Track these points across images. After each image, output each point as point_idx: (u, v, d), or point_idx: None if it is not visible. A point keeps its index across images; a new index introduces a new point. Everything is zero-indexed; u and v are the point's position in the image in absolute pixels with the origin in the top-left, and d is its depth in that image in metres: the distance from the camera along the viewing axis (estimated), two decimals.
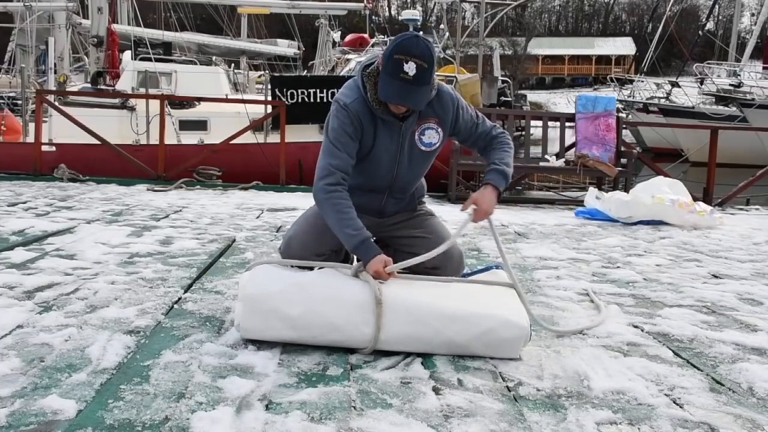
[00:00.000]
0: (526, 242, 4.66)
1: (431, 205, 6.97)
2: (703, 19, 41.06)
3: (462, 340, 2.11)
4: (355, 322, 2.11)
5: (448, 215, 5.86)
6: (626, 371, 2.06)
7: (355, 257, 2.49)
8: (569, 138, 8.08)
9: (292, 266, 2.41)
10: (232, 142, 8.55)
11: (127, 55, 12.59)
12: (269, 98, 10.54)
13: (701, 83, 25.11)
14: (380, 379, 1.94)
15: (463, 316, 2.12)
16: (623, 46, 65.11)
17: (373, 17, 18.43)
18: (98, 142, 8.33)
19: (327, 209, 2.37)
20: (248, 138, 9.04)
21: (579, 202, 7.04)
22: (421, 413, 1.71)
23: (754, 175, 8.40)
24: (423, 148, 2.50)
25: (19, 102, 12.43)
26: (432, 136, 2.49)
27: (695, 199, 6.23)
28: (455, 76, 13.84)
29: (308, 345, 2.16)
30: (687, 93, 24.84)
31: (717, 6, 43.75)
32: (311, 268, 2.36)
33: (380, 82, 2.32)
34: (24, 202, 5.77)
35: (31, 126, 9.41)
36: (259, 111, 9.93)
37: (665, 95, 25.90)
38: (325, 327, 2.12)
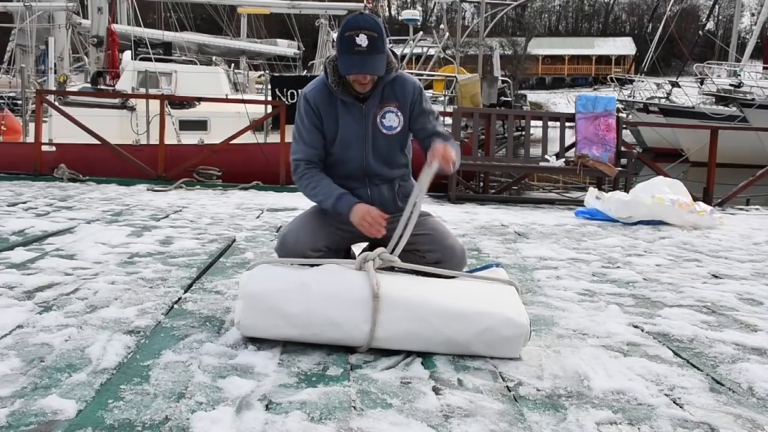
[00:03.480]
0: (526, 242, 4.65)
1: (431, 205, 6.99)
2: (703, 19, 41.09)
3: (462, 339, 2.11)
4: (356, 320, 2.11)
5: (448, 215, 5.87)
6: (626, 371, 2.06)
7: (356, 254, 2.51)
8: (569, 138, 8.08)
9: (292, 264, 2.42)
10: (232, 142, 8.55)
11: (127, 55, 12.59)
12: (269, 98, 10.54)
13: (701, 83, 25.10)
14: (380, 379, 1.94)
15: (463, 313, 2.12)
16: (623, 46, 65.15)
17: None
18: (98, 142, 8.33)
19: (305, 191, 2.60)
20: (248, 138, 9.03)
21: (579, 202, 7.03)
22: (421, 413, 1.71)
23: (754, 175, 8.40)
24: (384, 131, 2.58)
25: (19, 102, 12.45)
26: (392, 119, 2.59)
27: (695, 199, 6.23)
28: (455, 76, 13.84)
29: (308, 345, 2.16)
30: (687, 93, 24.83)
31: (717, 6, 43.75)
32: (312, 266, 2.36)
33: (339, 62, 2.47)
34: (24, 202, 5.77)
35: (31, 126, 9.41)
36: (259, 111, 9.93)
37: (665, 95, 25.89)
38: (325, 325, 2.12)
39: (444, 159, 2.39)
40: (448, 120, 9.62)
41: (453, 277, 2.46)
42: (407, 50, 15.04)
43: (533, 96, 51.38)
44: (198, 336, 2.25)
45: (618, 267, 3.83)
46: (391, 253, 2.37)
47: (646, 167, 9.26)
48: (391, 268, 2.44)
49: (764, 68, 28.28)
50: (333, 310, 2.12)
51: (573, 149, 7.97)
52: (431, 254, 2.54)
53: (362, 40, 2.36)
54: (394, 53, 2.61)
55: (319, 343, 2.16)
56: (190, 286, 2.98)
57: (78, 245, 3.79)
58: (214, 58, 15.30)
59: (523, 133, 8.52)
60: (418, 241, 2.58)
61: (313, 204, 2.76)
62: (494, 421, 1.68)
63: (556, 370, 2.05)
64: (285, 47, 17.67)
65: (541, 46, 63.75)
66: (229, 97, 10.90)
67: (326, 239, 2.56)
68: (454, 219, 5.71)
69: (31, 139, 9.01)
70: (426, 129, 2.63)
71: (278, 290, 2.16)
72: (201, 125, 10.78)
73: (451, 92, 12.84)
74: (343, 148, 2.59)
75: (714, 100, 24.75)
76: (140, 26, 13.85)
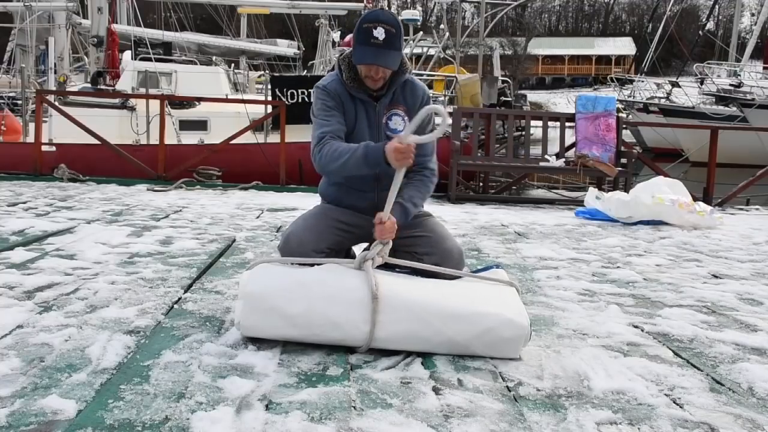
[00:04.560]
0: (526, 242, 4.65)
1: (431, 205, 6.98)
2: (703, 19, 41.14)
3: (462, 339, 2.11)
4: (356, 320, 2.11)
5: (448, 215, 5.87)
6: (626, 371, 2.06)
7: (356, 254, 2.50)
8: (569, 138, 8.08)
9: (292, 264, 2.41)
10: (232, 142, 8.55)
11: (127, 55, 12.60)
12: (269, 98, 10.54)
13: (701, 83, 25.10)
14: (380, 379, 1.94)
15: (463, 314, 2.12)
16: (623, 46, 65.23)
17: None
18: (98, 142, 8.33)
19: (329, 163, 2.42)
20: (248, 138, 9.03)
21: (579, 202, 7.03)
22: (421, 413, 1.71)
23: (754, 175, 8.39)
24: (389, 132, 2.55)
25: (19, 102, 12.45)
26: (398, 123, 2.56)
27: (695, 199, 6.22)
28: (455, 76, 13.85)
29: (308, 345, 2.16)
30: (687, 93, 24.83)
31: (717, 6, 43.74)
32: (312, 266, 2.36)
33: (354, 52, 2.44)
34: (24, 202, 5.77)
35: (31, 126, 9.41)
36: (259, 111, 9.93)
37: (665, 95, 25.89)
38: (325, 325, 2.12)
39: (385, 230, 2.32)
40: (448, 120, 9.57)
41: (454, 278, 2.46)
42: (407, 50, 15.05)
43: (533, 96, 51.36)
44: (198, 336, 2.25)
45: (618, 267, 3.83)
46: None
47: (646, 167, 9.26)
48: (393, 267, 2.44)
49: (764, 68, 28.28)
50: (333, 310, 2.12)
51: (573, 149, 7.96)
52: (429, 257, 2.53)
53: (380, 33, 2.36)
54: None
55: (319, 344, 2.16)
56: (190, 286, 2.98)
57: (78, 245, 3.79)
58: (214, 58, 15.30)
59: (523, 133, 8.52)
60: (416, 243, 2.58)
61: (315, 204, 2.75)
62: (494, 421, 1.68)
63: (556, 370, 2.05)
64: (285, 47, 17.68)
65: (541, 46, 63.78)
66: (229, 97, 10.91)
67: (329, 240, 2.55)
68: (454, 219, 5.71)
69: (31, 139, 9.01)
70: (419, 156, 2.43)
71: (278, 290, 2.15)
72: (201, 125, 10.79)
73: (451, 92, 12.85)
74: None
75: (714, 100, 24.75)
76: (140, 26, 13.87)
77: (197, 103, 10.73)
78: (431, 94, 14.27)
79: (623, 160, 7.80)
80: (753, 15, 54.51)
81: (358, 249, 2.73)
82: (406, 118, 2.56)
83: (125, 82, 11.44)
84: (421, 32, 17.55)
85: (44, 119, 9.35)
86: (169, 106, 9.39)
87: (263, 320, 2.14)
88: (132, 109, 10.63)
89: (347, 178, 2.58)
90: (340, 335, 2.12)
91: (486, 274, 2.52)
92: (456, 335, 2.11)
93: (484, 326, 2.11)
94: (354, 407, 1.73)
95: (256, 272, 2.27)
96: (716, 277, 3.67)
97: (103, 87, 11.57)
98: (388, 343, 2.12)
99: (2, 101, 14.16)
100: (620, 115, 9.56)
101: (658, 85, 27.18)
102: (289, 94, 10.34)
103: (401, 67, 2.51)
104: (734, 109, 22.61)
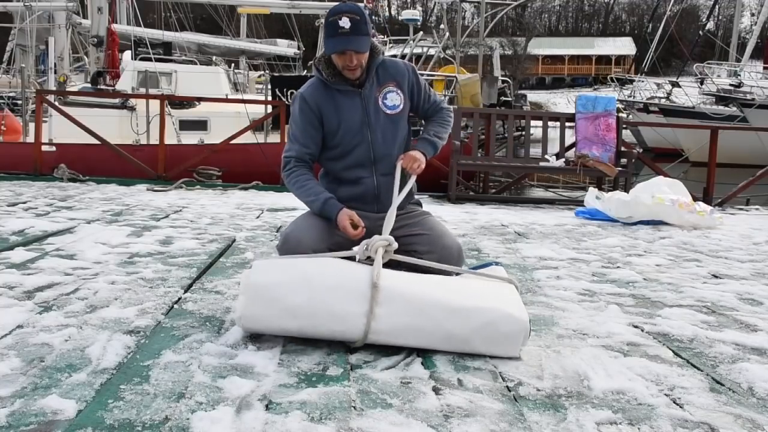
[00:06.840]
0: (526, 242, 4.65)
1: (431, 205, 6.99)
2: (703, 19, 41.13)
3: (461, 333, 2.11)
4: (357, 312, 2.11)
5: (448, 215, 5.87)
6: (626, 371, 2.06)
7: (357, 256, 2.51)
8: (569, 138, 8.08)
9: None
10: (232, 142, 8.55)
11: (127, 55, 12.61)
12: (269, 98, 10.54)
13: (701, 83, 25.11)
14: (380, 379, 1.94)
15: (463, 308, 2.12)
16: (623, 46, 65.23)
17: (373, 17, 18.44)
18: (98, 142, 8.33)
19: (292, 189, 2.66)
20: (248, 138, 9.04)
21: (579, 202, 7.03)
22: (421, 413, 1.71)
23: (754, 175, 8.39)
24: (388, 111, 2.66)
25: (19, 102, 12.46)
26: (394, 99, 2.67)
27: (695, 199, 6.22)
28: (455, 76, 13.84)
29: (308, 345, 2.16)
30: (687, 93, 24.83)
31: (717, 6, 43.72)
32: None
33: (325, 46, 2.56)
34: (24, 202, 5.77)
35: (31, 126, 9.42)
36: (259, 111, 9.93)
37: (665, 95, 25.90)
38: (327, 317, 2.12)
39: (410, 164, 2.62)
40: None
41: (454, 274, 2.46)
42: (407, 50, 15.04)
43: (533, 96, 51.34)
44: (198, 336, 2.25)
45: (618, 267, 3.83)
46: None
47: (646, 167, 9.26)
48: (396, 264, 2.44)
49: (764, 68, 28.28)
50: (334, 301, 2.12)
51: (573, 149, 7.96)
52: (428, 255, 2.55)
53: (345, 22, 2.46)
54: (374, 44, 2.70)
55: (319, 337, 2.16)
56: (190, 286, 2.98)
57: (78, 245, 3.79)
58: (214, 58, 15.31)
59: (523, 133, 8.52)
60: (415, 242, 2.59)
61: None
62: (494, 421, 1.68)
63: (556, 370, 2.05)
64: (285, 47, 17.68)
65: (541, 46, 63.75)
66: (229, 97, 10.91)
67: (329, 241, 2.56)
68: (454, 219, 5.71)
69: (31, 139, 9.01)
70: (432, 107, 2.81)
71: (281, 281, 2.16)
72: (201, 125, 10.80)
73: (451, 92, 12.85)
74: (348, 137, 2.63)
75: (714, 100, 24.75)
76: (140, 26, 13.87)
77: (197, 103, 10.73)
78: None
79: (623, 160, 7.79)
80: (753, 15, 54.53)
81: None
82: (399, 92, 2.67)
83: (125, 82, 11.44)
84: (421, 32, 17.53)
85: (44, 119, 9.35)
86: (169, 106, 9.39)
87: (265, 311, 2.14)
88: (132, 109, 10.63)
89: (346, 168, 2.67)
90: (340, 327, 2.12)
91: (485, 271, 2.53)
92: (455, 329, 2.11)
93: (483, 320, 2.11)
94: (354, 407, 1.73)
95: (259, 265, 2.28)
96: (716, 277, 3.67)
97: (103, 87, 11.58)
98: (387, 335, 2.12)
99: (2, 101, 14.17)
100: (620, 115, 9.56)
101: (658, 85, 27.19)
102: (289, 94, 10.35)
103: (373, 51, 2.61)
104: (734, 109, 22.61)
